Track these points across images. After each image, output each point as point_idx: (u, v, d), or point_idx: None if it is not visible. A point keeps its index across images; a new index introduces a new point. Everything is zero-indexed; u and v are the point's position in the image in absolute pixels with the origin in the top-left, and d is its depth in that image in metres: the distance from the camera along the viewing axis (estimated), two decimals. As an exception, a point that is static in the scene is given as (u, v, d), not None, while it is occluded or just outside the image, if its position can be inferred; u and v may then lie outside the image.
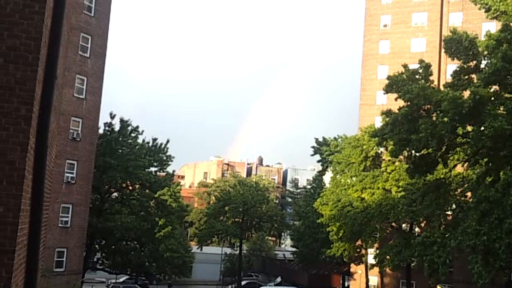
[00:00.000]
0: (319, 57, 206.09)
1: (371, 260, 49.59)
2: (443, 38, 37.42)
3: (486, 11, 32.41)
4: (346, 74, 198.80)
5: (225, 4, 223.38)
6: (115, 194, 53.55)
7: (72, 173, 38.53)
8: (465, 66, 31.83)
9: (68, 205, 38.36)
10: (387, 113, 32.91)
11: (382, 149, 47.60)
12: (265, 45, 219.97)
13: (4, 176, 6.01)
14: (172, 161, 54.40)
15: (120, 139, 50.28)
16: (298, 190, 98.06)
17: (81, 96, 38.89)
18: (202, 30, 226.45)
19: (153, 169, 52.74)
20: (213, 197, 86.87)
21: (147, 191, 51.48)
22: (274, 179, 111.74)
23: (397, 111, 31.68)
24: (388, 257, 42.45)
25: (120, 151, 49.64)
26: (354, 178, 50.43)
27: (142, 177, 49.26)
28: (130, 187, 52.03)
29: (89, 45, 39.18)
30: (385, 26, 61.32)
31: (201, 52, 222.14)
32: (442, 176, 36.99)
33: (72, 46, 35.33)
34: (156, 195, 51.69)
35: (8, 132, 6.08)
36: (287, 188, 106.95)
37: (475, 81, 30.68)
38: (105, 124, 49.97)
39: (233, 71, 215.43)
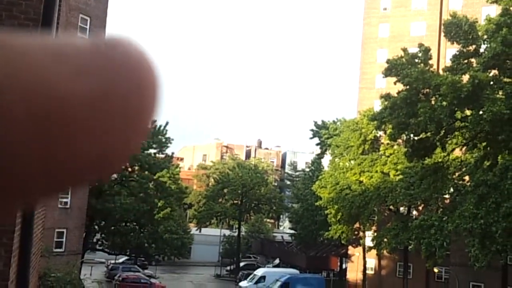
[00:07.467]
0: (318, 40, 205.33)
1: (368, 242, 49.99)
2: (443, 22, 37.29)
3: (486, -5, 32.27)
4: (346, 56, 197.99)
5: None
6: (114, 175, 53.61)
7: (71, 154, 38.48)
8: (465, 50, 31.78)
9: (67, 186, 38.37)
10: (386, 96, 32.96)
11: (380, 133, 47.56)
12: (264, 25, 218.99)
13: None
14: (171, 143, 54.37)
15: (120, 120, 50.14)
16: (297, 173, 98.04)
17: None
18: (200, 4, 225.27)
19: (152, 151, 52.68)
20: (212, 179, 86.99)
21: (146, 172, 51.53)
22: (273, 162, 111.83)
23: (396, 95, 31.74)
24: (385, 239, 42.80)
25: (120, 132, 49.51)
26: (352, 161, 50.56)
27: (141, 159, 49.26)
28: (129, 169, 52.04)
29: (87, 27, 38.98)
30: (385, 9, 61.03)
31: (203, 33, 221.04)
32: (440, 160, 37.06)
33: (70, 27, 35.12)
34: (155, 177, 51.78)
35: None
36: (286, 171, 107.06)
37: (474, 65, 30.65)
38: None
39: (232, 49, 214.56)
